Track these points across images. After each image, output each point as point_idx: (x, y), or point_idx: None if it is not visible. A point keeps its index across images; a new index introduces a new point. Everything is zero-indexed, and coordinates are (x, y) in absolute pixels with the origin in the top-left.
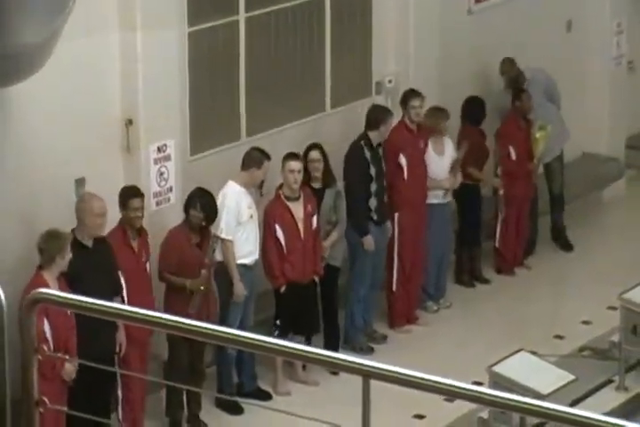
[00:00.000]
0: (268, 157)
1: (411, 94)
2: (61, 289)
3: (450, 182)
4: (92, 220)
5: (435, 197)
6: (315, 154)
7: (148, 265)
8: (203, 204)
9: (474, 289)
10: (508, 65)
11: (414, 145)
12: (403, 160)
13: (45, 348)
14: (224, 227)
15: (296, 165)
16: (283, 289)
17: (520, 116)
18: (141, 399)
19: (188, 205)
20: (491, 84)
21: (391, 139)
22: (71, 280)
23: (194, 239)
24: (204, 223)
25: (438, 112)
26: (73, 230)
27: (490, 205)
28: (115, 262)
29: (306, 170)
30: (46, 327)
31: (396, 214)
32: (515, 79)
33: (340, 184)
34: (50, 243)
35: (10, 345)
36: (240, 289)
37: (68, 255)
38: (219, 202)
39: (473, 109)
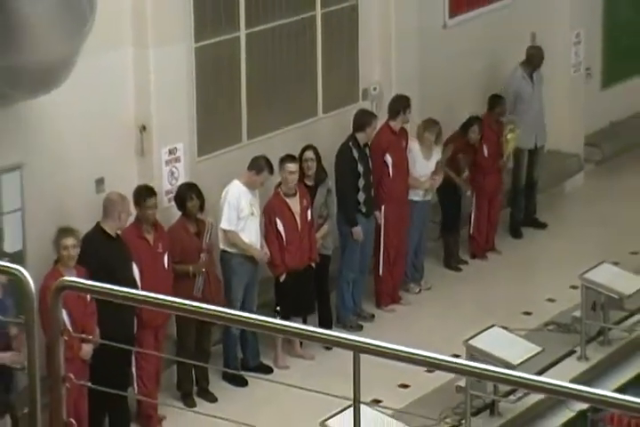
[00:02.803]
0: (270, 169)
1: (407, 104)
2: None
3: (430, 183)
4: (126, 216)
5: (416, 195)
6: (309, 154)
7: (165, 257)
8: (196, 193)
9: (451, 272)
10: (538, 50)
11: (398, 145)
12: (389, 159)
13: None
14: (226, 219)
15: (293, 166)
16: (282, 278)
17: (494, 119)
18: (155, 375)
19: (182, 201)
20: (465, 90)
21: (378, 140)
22: (102, 270)
23: (192, 229)
24: (199, 212)
25: (434, 125)
26: (98, 223)
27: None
28: (130, 255)
29: (300, 168)
30: (64, 315)
31: (383, 207)
32: (533, 62)
33: (331, 182)
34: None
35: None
36: (258, 252)
37: (77, 249)
38: (222, 197)
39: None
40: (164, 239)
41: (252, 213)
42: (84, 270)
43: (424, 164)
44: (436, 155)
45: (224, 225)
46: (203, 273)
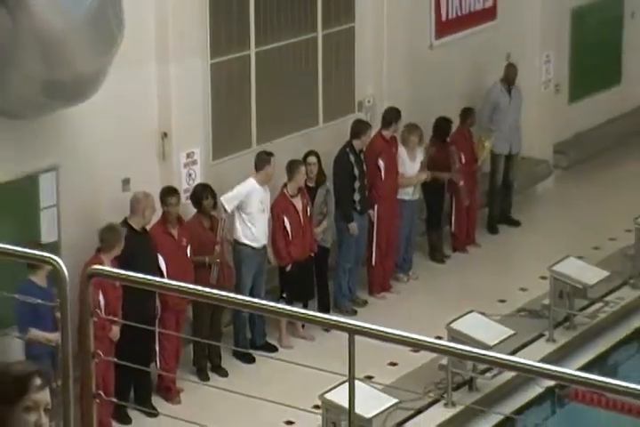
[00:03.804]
0: (272, 154)
1: (398, 116)
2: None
3: (416, 178)
4: (150, 213)
5: (405, 194)
6: (312, 159)
7: (188, 249)
8: (211, 193)
9: (436, 264)
10: (513, 68)
11: (389, 151)
12: (381, 164)
13: (99, 312)
14: (228, 198)
15: (304, 169)
16: (288, 268)
17: (467, 129)
18: (176, 354)
19: (199, 199)
20: (450, 103)
21: (372, 146)
22: (128, 260)
23: (206, 224)
24: (213, 209)
25: (416, 128)
26: (126, 219)
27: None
28: (154, 249)
29: None
30: (100, 298)
31: (376, 206)
32: (509, 78)
33: (330, 183)
34: (112, 234)
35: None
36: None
37: (122, 244)
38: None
39: (442, 127)
40: (187, 234)
41: (263, 210)
42: (122, 261)
43: (410, 165)
44: (420, 156)
45: (224, 200)
46: (217, 263)
